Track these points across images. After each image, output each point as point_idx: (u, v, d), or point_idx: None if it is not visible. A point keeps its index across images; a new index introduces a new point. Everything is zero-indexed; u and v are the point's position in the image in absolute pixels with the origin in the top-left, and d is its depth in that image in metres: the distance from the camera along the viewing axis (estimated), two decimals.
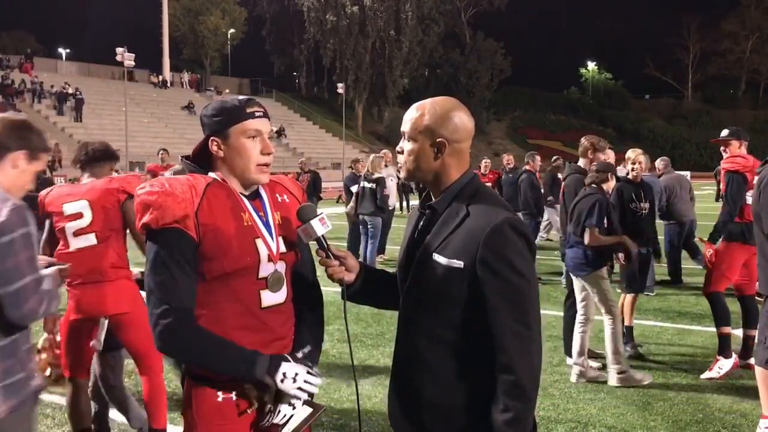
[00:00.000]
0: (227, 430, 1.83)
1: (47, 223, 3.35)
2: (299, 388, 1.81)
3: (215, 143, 1.85)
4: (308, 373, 1.84)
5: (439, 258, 1.70)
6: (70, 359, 3.43)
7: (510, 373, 1.63)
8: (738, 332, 5.29)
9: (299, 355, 1.91)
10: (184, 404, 1.90)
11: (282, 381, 1.79)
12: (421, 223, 1.85)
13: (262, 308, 1.86)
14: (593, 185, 4.77)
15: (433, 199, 1.83)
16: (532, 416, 1.69)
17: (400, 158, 1.83)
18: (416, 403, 1.77)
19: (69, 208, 3.29)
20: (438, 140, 1.75)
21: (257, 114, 1.86)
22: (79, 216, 3.28)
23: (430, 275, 1.72)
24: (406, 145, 1.81)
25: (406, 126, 1.81)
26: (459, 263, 1.67)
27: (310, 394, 1.86)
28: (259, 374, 1.77)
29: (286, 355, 1.85)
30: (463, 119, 1.78)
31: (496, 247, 1.63)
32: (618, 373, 4.64)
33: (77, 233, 3.28)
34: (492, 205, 1.72)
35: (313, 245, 1.91)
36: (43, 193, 3.38)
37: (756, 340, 3.87)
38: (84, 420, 3.47)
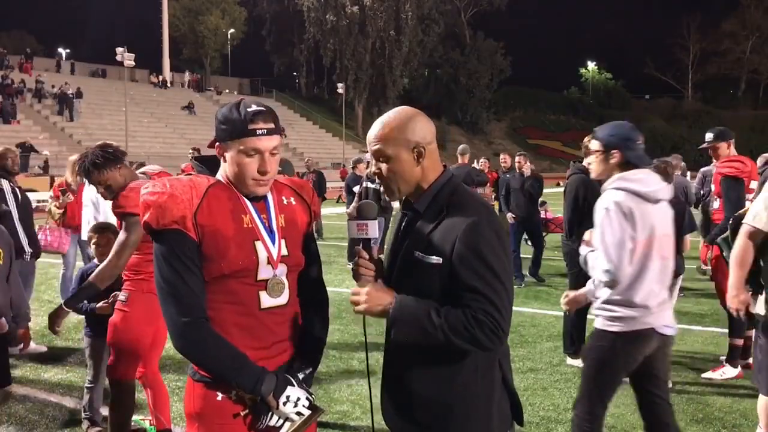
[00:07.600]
0: (227, 430, 1.84)
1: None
2: (297, 413, 1.82)
3: (219, 149, 1.86)
4: (307, 399, 1.84)
5: (419, 256, 1.75)
6: (125, 359, 3.29)
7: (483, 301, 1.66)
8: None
9: (300, 375, 1.90)
10: (186, 403, 1.91)
11: (284, 404, 1.80)
12: (404, 224, 1.89)
13: (262, 309, 1.85)
14: None
15: (413, 201, 1.86)
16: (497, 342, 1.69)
17: (379, 179, 1.84)
18: (405, 397, 1.82)
19: None
20: (414, 146, 1.78)
21: (260, 132, 1.77)
22: None
23: (412, 273, 1.77)
24: (382, 165, 1.82)
25: (376, 145, 1.81)
26: (437, 259, 1.72)
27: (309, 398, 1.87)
28: (264, 392, 1.78)
29: (291, 379, 1.85)
30: (424, 122, 1.83)
31: (471, 243, 1.68)
32: None
33: None
34: (469, 203, 1.77)
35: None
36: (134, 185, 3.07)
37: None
38: (126, 424, 3.38)
